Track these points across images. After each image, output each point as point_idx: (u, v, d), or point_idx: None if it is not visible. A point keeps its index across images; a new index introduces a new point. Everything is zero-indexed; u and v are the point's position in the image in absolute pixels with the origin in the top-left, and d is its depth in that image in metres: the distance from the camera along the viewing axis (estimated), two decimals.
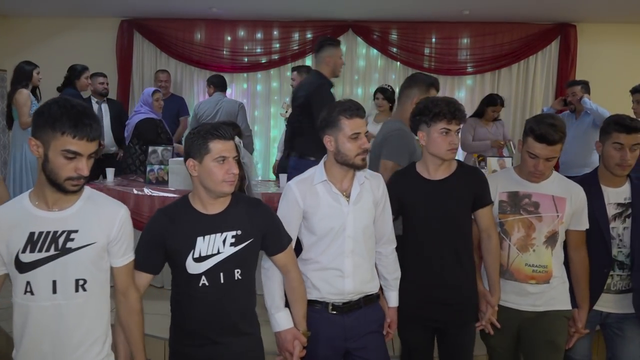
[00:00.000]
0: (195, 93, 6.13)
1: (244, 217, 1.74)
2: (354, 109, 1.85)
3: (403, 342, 2.17)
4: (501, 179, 2.13)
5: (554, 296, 2.05)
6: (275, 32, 5.99)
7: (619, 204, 2.13)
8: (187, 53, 6.03)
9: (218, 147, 1.64)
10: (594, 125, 3.99)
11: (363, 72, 6.07)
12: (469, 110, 5.90)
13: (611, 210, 2.12)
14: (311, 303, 1.91)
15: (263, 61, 6.05)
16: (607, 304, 2.15)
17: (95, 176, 4.13)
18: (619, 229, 2.12)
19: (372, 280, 1.97)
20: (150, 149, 3.82)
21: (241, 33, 6.03)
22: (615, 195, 2.13)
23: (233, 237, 1.70)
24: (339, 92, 6.07)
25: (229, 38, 6.03)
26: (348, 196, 1.90)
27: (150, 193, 3.47)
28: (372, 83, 6.03)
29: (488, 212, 2.04)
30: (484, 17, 5.59)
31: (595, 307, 2.13)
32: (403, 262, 2.07)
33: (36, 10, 5.71)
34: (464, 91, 6.00)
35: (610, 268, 2.11)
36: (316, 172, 1.93)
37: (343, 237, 1.88)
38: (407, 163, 2.28)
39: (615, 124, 2.09)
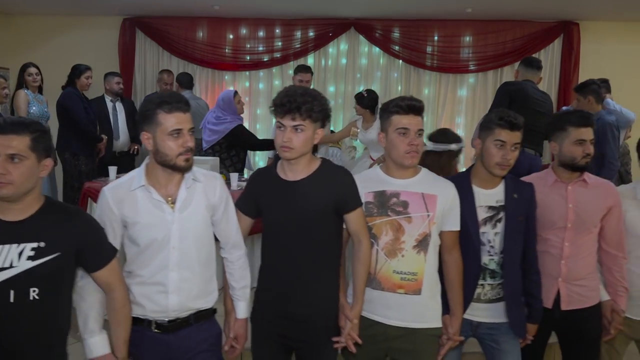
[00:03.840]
0: (197, 91, 6.13)
1: (52, 228, 1.50)
2: (174, 102, 1.62)
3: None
4: (366, 178, 1.92)
5: (423, 312, 1.85)
6: (277, 30, 5.98)
7: (490, 207, 1.95)
8: (189, 51, 6.03)
9: None
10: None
11: (365, 71, 6.06)
12: (470, 109, 5.99)
13: (482, 214, 1.94)
14: (133, 321, 1.70)
15: (265, 59, 6.04)
16: (478, 312, 1.98)
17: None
18: (490, 235, 1.94)
19: (205, 295, 1.76)
20: None
21: (243, 31, 6.02)
22: (487, 197, 1.95)
23: (33, 249, 1.46)
24: (341, 90, 6.07)
25: (231, 36, 6.03)
26: (174, 202, 1.68)
27: None
28: (374, 81, 6.02)
29: (356, 215, 1.79)
30: (486, 15, 5.57)
31: (466, 316, 1.96)
32: (261, 269, 1.88)
33: (38, 8, 5.71)
34: (466, 89, 5.98)
35: (479, 276, 1.94)
36: (135, 176, 1.70)
37: (167, 249, 1.66)
38: None
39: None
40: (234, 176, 3.62)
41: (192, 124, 1.67)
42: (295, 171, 1.79)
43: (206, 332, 1.77)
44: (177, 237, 1.67)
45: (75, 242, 1.53)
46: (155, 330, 1.70)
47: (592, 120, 2.06)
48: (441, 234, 1.88)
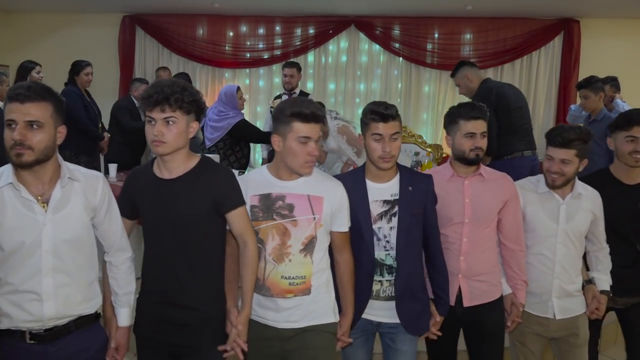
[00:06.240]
0: (197, 89, 6.12)
1: None
2: (13, 90, 1.48)
3: None
4: (252, 180, 1.85)
5: (314, 309, 1.81)
6: (277, 28, 5.99)
7: (385, 201, 1.90)
8: (189, 49, 6.03)
9: None
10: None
11: (365, 68, 6.06)
12: None
13: (377, 209, 1.90)
14: (4, 333, 1.56)
15: (265, 57, 6.05)
16: (377, 312, 1.93)
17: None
18: (385, 229, 1.90)
19: (87, 300, 1.63)
20: None
21: (243, 28, 6.02)
22: (381, 191, 1.91)
23: None
24: (341, 88, 6.08)
25: (231, 33, 6.03)
26: (47, 203, 1.54)
27: None
28: (375, 79, 6.03)
29: (239, 215, 1.71)
30: (486, 13, 5.57)
31: (366, 316, 1.93)
32: (142, 272, 1.80)
33: (38, 5, 5.72)
34: None
35: (373, 272, 1.90)
36: (3, 172, 1.55)
37: (39, 253, 1.52)
38: None
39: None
40: None
41: (34, 117, 1.47)
42: (170, 169, 1.71)
43: (89, 339, 1.66)
44: (51, 240, 1.53)
45: None
46: (30, 342, 1.55)
47: (483, 113, 2.00)
48: (332, 234, 1.84)
